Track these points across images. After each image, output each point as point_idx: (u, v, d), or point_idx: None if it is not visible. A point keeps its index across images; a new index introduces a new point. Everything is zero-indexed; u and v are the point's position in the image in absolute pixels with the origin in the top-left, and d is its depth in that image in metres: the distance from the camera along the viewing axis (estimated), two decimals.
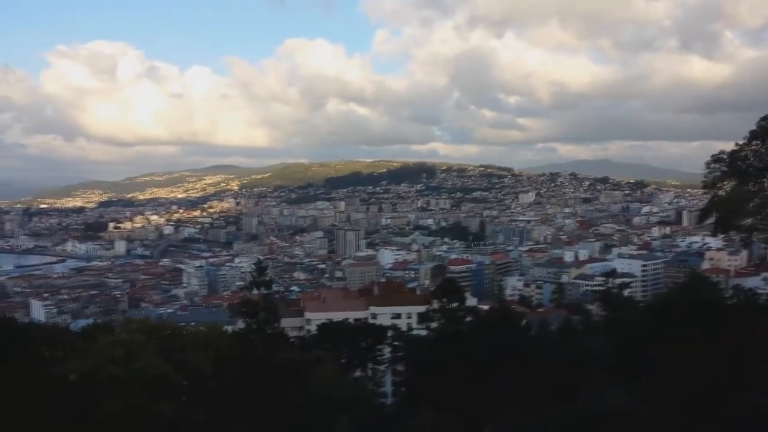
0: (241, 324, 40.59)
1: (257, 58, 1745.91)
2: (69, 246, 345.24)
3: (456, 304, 43.81)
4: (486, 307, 65.55)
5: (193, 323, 71.72)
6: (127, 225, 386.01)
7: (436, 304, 44.46)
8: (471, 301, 73.02)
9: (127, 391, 23.80)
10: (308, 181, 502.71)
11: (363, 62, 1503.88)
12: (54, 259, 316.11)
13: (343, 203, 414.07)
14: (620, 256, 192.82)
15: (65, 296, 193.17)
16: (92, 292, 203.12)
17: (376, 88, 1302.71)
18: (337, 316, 64.56)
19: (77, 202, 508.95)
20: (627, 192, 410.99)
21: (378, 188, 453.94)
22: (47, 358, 27.42)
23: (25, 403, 23.04)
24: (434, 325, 43.91)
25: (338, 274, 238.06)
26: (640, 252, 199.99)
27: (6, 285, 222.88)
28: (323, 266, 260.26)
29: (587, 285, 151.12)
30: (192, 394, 27.05)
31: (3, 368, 23.73)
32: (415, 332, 53.50)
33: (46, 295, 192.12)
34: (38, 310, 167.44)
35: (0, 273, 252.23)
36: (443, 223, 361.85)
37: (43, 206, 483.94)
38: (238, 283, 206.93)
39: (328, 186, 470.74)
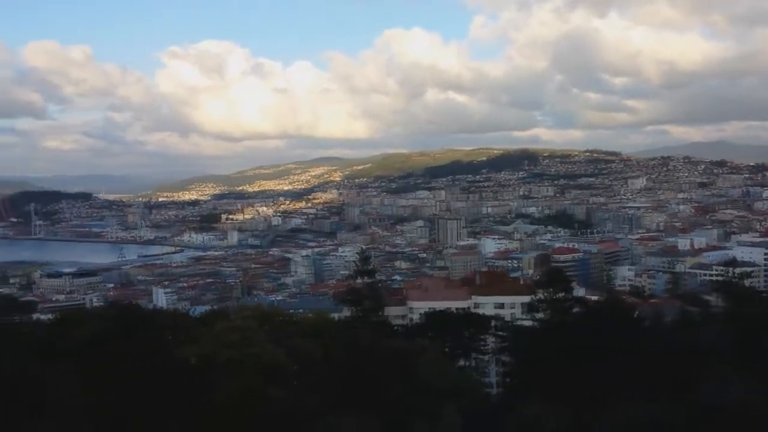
0: (346, 312, 41.60)
1: (356, 51, 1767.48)
2: (186, 237, 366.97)
3: (562, 294, 42.70)
4: (594, 298, 63.24)
5: (301, 310, 74.39)
6: (239, 216, 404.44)
7: (541, 294, 43.51)
8: (578, 291, 70.87)
9: (242, 374, 25.05)
10: (408, 171, 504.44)
11: (460, 49, 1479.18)
12: (173, 249, 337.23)
13: (443, 192, 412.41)
14: (740, 244, 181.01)
15: (184, 284, 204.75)
16: (208, 280, 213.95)
17: (474, 75, 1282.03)
18: (440, 305, 64.37)
19: (193, 195, 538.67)
20: (747, 175, 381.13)
21: (478, 176, 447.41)
22: (170, 342, 29.26)
23: (152, 383, 24.83)
24: (540, 315, 43.02)
25: (440, 263, 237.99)
26: (763, 239, 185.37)
27: (131, 273, 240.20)
28: (424, 255, 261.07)
29: (705, 275, 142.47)
30: (302, 379, 28.03)
31: (132, 350, 25.67)
32: (519, 322, 52.65)
33: (166, 282, 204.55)
34: (160, 297, 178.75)
35: (126, 262, 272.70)
36: (547, 211, 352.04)
37: (162, 200, 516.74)
38: (342, 272, 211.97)
39: (428, 175, 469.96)
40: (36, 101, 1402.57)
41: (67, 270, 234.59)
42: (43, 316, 37.93)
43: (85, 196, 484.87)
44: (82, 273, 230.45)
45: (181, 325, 30.80)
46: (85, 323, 28.05)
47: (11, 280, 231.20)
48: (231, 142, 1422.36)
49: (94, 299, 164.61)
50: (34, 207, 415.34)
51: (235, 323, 30.03)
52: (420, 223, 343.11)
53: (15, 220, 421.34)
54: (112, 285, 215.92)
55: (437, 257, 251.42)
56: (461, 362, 45.99)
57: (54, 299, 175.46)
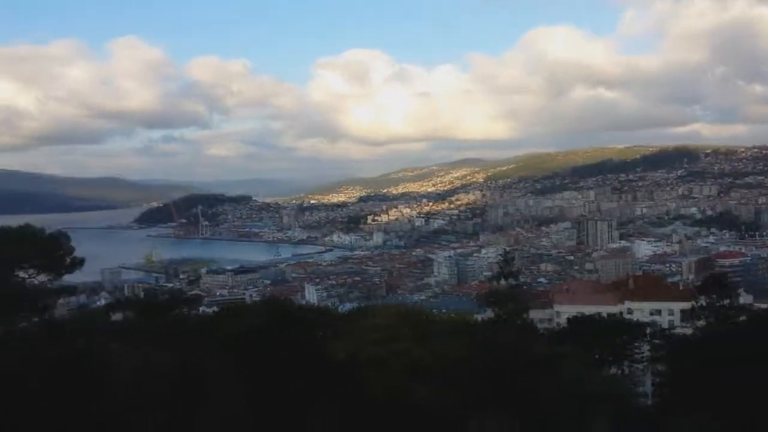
0: (489, 313, 41.10)
1: (499, 51, 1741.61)
2: (335, 237, 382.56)
3: (726, 301, 39.18)
4: (763, 306, 57.37)
5: (443, 310, 74.63)
6: (383, 218, 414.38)
7: (703, 301, 40.24)
8: (744, 298, 64.73)
9: (386, 372, 25.61)
10: (554, 171, 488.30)
11: (608, 45, 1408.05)
12: (323, 248, 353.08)
13: (592, 192, 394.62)
14: None
15: (333, 282, 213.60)
16: (355, 279, 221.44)
17: (624, 70, 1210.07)
18: (588, 309, 61.78)
19: (341, 198, 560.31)
20: None
21: (631, 175, 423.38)
22: (319, 337, 30.61)
23: (302, 376, 26.15)
24: (701, 323, 39.81)
25: (588, 266, 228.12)
26: None
27: (285, 271, 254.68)
28: (571, 258, 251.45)
29: None
30: (445, 379, 28.11)
31: (284, 344, 27.21)
32: (677, 330, 49.07)
33: (317, 280, 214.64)
34: (311, 294, 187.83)
35: (281, 260, 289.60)
36: (709, 212, 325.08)
37: (312, 202, 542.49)
38: (485, 273, 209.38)
39: (575, 175, 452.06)
40: (201, 112, 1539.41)
41: (229, 267, 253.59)
42: (208, 309, 41.25)
43: (245, 199, 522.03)
44: (243, 270, 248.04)
45: (330, 321, 32.09)
46: (244, 317, 30.15)
47: (181, 276, 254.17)
48: (376, 146, 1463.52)
49: (253, 294, 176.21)
50: (200, 209, 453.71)
51: (379, 321, 30.78)
52: (566, 224, 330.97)
53: (184, 221, 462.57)
54: (269, 281, 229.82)
55: (585, 260, 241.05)
56: (612, 370, 43.76)
57: (218, 294, 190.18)
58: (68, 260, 26.07)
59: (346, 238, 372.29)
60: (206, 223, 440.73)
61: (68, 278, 27.61)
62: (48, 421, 22.04)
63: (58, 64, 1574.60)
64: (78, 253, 26.75)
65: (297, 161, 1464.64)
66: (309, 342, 28.49)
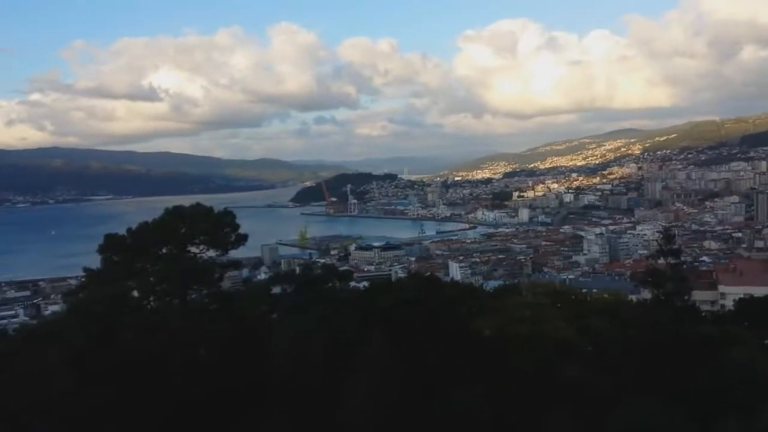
0: (646, 294, 38.86)
1: (658, 12, 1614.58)
2: (479, 214, 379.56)
3: None
4: None
5: (594, 290, 71.68)
6: (530, 194, 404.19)
7: None
8: None
9: (533, 350, 25.27)
10: (720, 140, 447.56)
11: None
12: (467, 225, 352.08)
13: (764, 163, 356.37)
14: None
15: (477, 259, 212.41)
16: (500, 256, 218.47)
17: None
18: (759, 290, 56.36)
19: (485, 174, 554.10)
20: None
21: None
22: (464, 313, 30.79)
23: (449, 350, 26.52)
24: None
25: (759, 243, 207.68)
26: None
27: (430, 248, 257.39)
28: (739, 235, 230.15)
29: None
30: (597, 360, 27.18)
31: (430, 318, 27.71)
32: None
33: (461, 257, 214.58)
34: (455, 271, 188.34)
35: (425, 237, 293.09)
36: None
37: (456, 178, 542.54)
38: (641, 252, 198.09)
39: (745, 144, 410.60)
40: (350, 93, 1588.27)
41: (376, 244, 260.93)
42: (357, 284, 42.94)
43: (391, 177, 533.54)
44: (389, 246, 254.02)
45: (475, 298, 32.13)
46: (393, 291, 31.06)
47: (332, 252, 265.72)
48: (522, 120, 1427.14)
49: (399, 270, 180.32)
50: (349, 188, 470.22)
51: (526, 299, 30.32)
52: (734, 198, 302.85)
53: (334, 199, 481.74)
54: (413, 258, 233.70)
55: (755, 237, 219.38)
56: None
57: (365, 269, 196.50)
58: (233, 237, 28.24)
59: (491, 215, 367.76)
60: (355, 201, 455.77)
61: (233, 254, 29.87)
62: (219, 381, 24.35)
63: (222, 53, 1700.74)
64: (241, 230, 28.90)
65: (442, 138, 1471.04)
66: (454, 318, 28.77)
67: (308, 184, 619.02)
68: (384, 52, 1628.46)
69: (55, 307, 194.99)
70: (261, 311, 28.10)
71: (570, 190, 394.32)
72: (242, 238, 28.68)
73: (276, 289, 30.01)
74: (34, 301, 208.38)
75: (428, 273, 62.48)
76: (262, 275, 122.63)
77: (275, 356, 25.47)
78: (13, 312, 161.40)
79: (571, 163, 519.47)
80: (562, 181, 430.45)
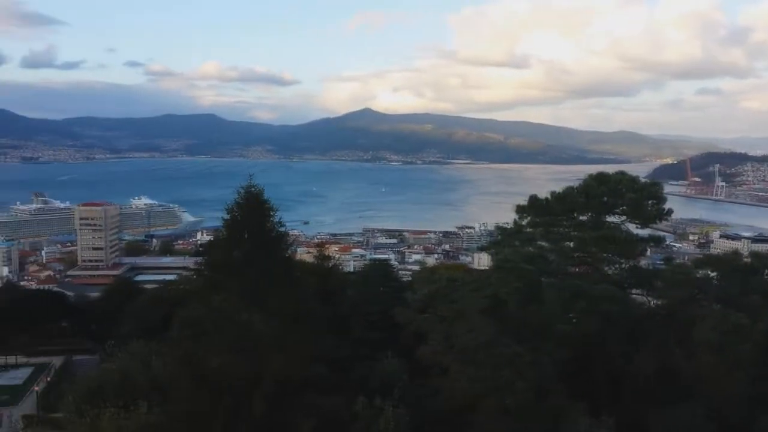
0: None
1: None
2: None
3: None
4: None
5: None
6: None
7: None
8: None
9: None
10: None
11: None
12: None
13: None
14: None
15: None
16: None
17: None
18: None
19: None
20: None
21: None
22: None
23: None
24: None
25: None
26: None
27: None
28: None
29: None
30: None
31: None
32: None
33: None
34: None
35: None
36: None
37: None
38: None
39: None
40: (739, 60, 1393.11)
41: (745, 234, 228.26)
42: None
43: None
44: (762, 238, 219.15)
45: None
46: None
47: (690, 237, 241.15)
48: None
49: None
50: (717, 168, 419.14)
51: None
52: None
53: (697, 180, 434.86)
54: None
55: None
56: None
57: None
58: (656, 210, 26.14)
59: None
60: (722, 183, 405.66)
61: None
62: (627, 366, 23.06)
63: (602, 16, 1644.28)
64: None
65: None
66: None
67: (668, 161, 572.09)
68: None
69: (417, 256, 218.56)
70: (682, 296, 25.56)
71: None
72: (666, 213, 26.40)
73: (701, 273, 27.07)
74: (400, 249, 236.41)
75: None
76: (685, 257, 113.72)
77: (695, 347, 23.14)
78: (386, 256, 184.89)
79: None
80: None
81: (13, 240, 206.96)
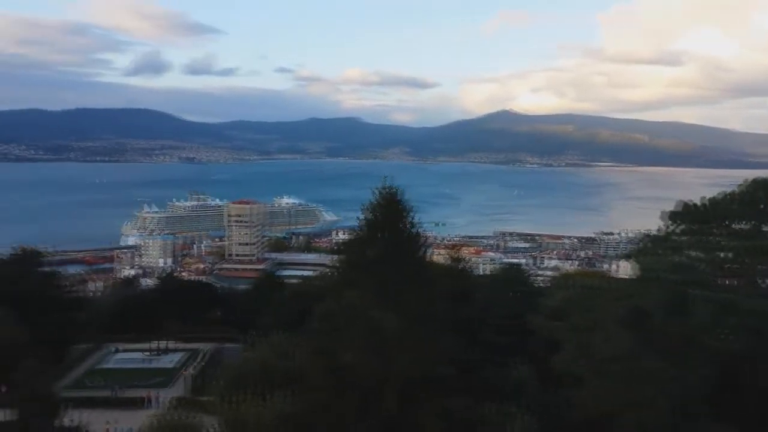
0: None
1: None
2: None
3: None
4: None
5: None
6: None
7: None
8: None
9: None
10: None
11: None
12: None
13: None
14: None
15: None
16: None
17: None
18: None
19: None
20: None
21: None
22: None
23: None
24: None
25: None
26: None
27: None
28: None
29: None
30: None
31: None
32: None
33: None
34: None
35: None
36: None
37: None
38: None
39: None
40: None
41: None
42: None
43: None
44: None
45: None
46: None
47: None
48: None
49: None
50: None
51: None
52: None
53: None
54: None
55: None
56: None
57: None
58: None
59: None
60: None
61: None
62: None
63: (763, 9, 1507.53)
64: None
65: None
66: None
67: None
68: None
69: (553, 262, 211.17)
70: None
71: None
72: None
73: None
74: (534, 253, 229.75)
75: None
76: None
77: None
78: (519, 260, 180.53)
79: None
80: None
81: (171, 234, 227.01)
